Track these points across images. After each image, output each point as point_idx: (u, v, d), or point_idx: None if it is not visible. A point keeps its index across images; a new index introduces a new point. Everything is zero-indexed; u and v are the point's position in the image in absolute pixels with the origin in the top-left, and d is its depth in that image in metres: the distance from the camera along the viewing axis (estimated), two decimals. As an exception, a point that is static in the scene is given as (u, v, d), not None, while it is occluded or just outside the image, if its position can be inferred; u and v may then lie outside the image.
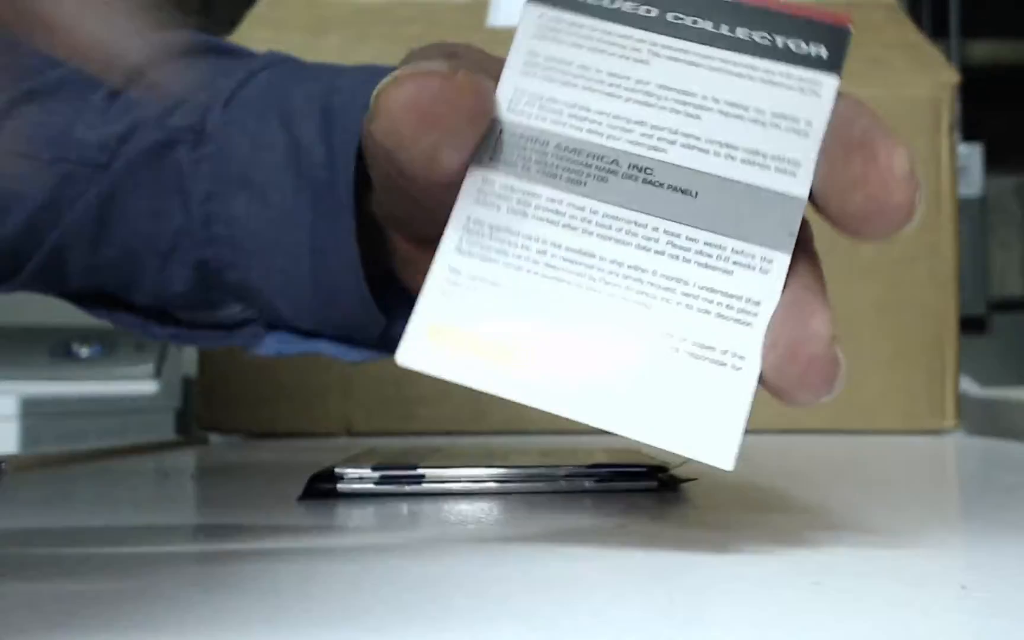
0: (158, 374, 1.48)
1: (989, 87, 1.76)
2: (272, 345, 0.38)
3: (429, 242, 0.27)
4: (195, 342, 0.41)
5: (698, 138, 0.24)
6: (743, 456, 0.22)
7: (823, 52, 0.24)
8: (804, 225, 0.24)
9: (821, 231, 0.24)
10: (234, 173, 0.36)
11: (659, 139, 0.24)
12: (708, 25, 0.25)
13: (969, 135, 1.73)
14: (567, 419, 0.22)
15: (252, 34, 0.77)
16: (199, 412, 0.74)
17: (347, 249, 0.33)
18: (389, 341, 0.35)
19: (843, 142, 0.23)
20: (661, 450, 0.22)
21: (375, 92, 0.24)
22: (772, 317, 0.23)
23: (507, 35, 0.25)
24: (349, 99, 0.34)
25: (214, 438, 0.73)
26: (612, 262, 0.23)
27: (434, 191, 0.26)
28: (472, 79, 0.24)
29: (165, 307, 0.40)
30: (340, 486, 0.33)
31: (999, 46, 1.95)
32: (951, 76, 0.69)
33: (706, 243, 0.23)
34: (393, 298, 0.34)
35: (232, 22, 0.81)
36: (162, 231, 0.37)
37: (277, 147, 0.35)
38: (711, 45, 0.24)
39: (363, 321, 0.35)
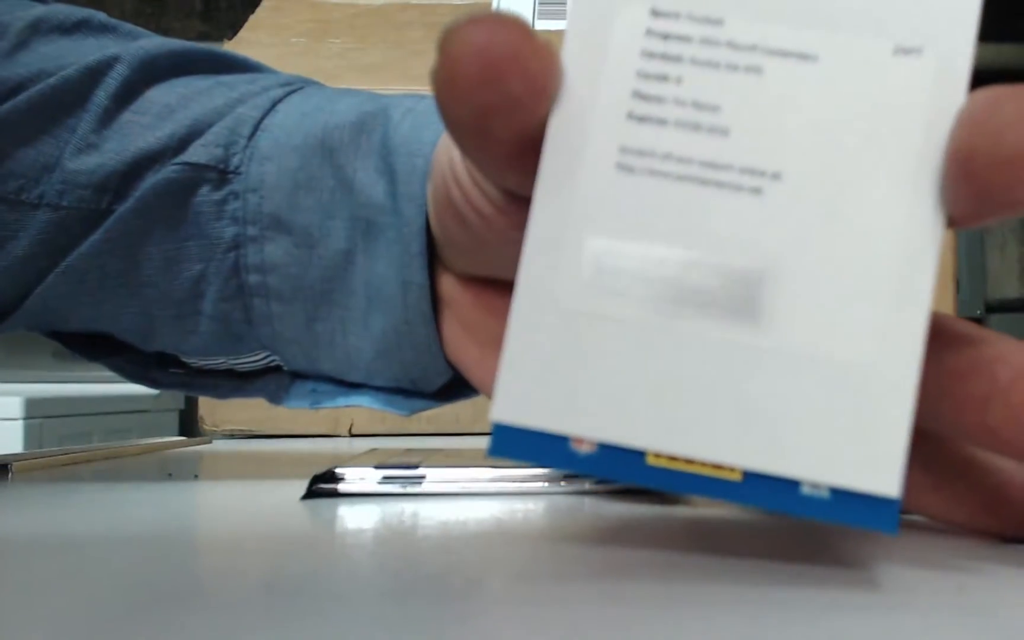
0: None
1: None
2: (302, 397, 0.34)
3: (490, 299, 0.27)
4: (204, 392, 0.36)
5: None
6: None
7: None
8: None
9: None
10: (269, 215, 0.31)
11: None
12: None
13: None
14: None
15: (253, 38, 0.78)
16: (202, 412, 0.75)
17: (415, 292, 0.30)
18: (446, 391, 0.33)
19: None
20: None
21: (442, 34, 0.20)
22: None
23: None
24: (408, 130, 0.30)
25: (216, 438, 0.73)
26: None
27: (493, 201, 0.25)
28: (552, 46, 0.20)
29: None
30: (342, 487, 0.34)
31: (1001, 49, 1.95)
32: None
33: None
34: None
35: (234, 26, 0.82)
36: (178, 281, 0.33)
37: (323, 185, 0.31)
38: None
39: (426, 372, 0.32)
